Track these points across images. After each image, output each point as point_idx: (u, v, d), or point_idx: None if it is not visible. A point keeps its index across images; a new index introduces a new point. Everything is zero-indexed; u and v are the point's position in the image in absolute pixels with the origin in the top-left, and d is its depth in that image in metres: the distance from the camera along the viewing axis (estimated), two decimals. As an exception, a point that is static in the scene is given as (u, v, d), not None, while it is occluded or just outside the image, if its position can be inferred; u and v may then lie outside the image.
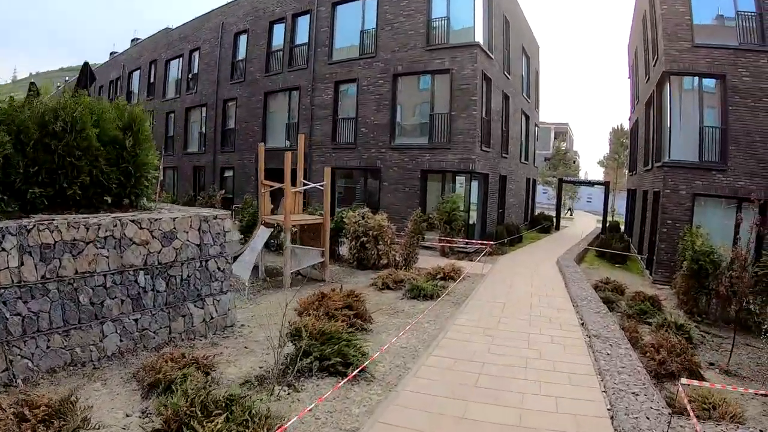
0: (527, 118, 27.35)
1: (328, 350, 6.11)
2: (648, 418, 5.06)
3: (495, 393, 5.69)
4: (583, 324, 8.72)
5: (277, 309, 7.00)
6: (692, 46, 14.56)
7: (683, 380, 4.98)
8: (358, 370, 5.78)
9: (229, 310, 7.99)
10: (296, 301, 8.40)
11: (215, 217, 7.87)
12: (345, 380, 5.58)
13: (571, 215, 48.50)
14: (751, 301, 10.26)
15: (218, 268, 7.86)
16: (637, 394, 5.63)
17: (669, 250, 14.24)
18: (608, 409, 5.37)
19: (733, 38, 14.66)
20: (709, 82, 14.95)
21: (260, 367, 6.15)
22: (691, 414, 4.71)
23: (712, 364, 8.47)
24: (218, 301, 7.79)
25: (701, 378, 7.04)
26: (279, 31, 24.08)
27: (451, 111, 18.02)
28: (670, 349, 7.40)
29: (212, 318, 7.65)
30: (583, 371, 6.52)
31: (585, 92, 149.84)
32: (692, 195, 14.42)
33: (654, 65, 16.98)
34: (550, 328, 8.48)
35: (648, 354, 7.50)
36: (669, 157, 14.94)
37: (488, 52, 18.90)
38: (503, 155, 21.64)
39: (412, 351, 7.15)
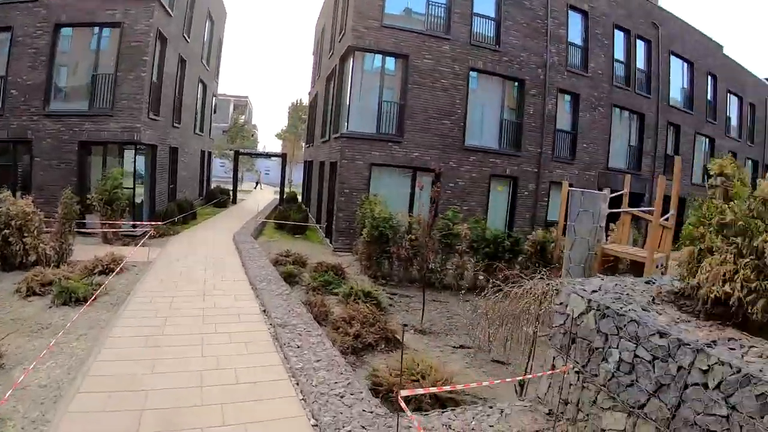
0: (205, 86, 25.67)
1: None
2: (363, 428, 4.24)
3: (161, 438, 4.12)
4: (265, 311, 7.84)
5: None
6: (380, 25, 15.24)
7: (403, 392, 4.17)
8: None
9: None
10: None
11: None
12: None
13: (260, 188, 48.73)
14: (431, 260, 11.22)
15: None
16: (343, 396, 4.83)
17: (348, 219, 14.71)
18: (314, 426, 4.39)
19: (422, 25, 16.07)
20: (392, 61, 15.90)
21: None
22: (410, 416, 4.11)
23: (405, 325, 8.42)
24: None
25: (399, 343, 7.02)
26: None
27: (117, 72, 15.19)
28: (363, 320, 7.31)
29: None
30: (273, 376, 5.45)
31: (267, 66, 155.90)
32: (369, 165, 15.09)
33: (340, 40, 17.25)
34: (228, 323, 7.30)
35: (341, 329, 7.16)
36: (348, 128, 15.34)
37: (168, 8, 16.61)
38: (175, 125, 19.46)
39: (54, 389, 5.04)
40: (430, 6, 16.16)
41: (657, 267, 10.24)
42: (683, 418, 3.55)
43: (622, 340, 4.14)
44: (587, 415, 4.38)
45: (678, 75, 25.27)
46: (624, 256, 11.62)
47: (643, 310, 4.37)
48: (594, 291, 4.80)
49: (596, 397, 4.30)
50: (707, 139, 27.66)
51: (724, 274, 4.08)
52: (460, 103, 16.22)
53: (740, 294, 3.95)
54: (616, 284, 5.31)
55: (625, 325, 4.13)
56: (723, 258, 4.18)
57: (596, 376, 4.34)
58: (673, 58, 24.46)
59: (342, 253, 14.36)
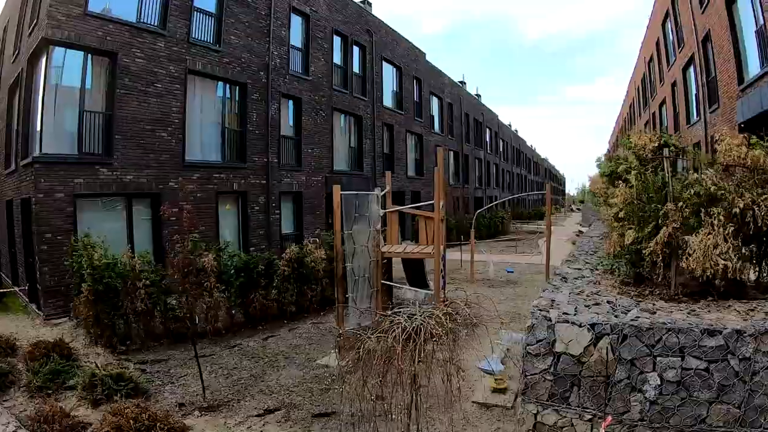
0: None
1: None
2: None
3: None
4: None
5: None
6: (84, 13, 12.91)
7: None
8: None
9: None
10: None
11: None
12: None
13: None
14: (195, 306, 10.10)
15: None
16: None
17: (56, 273, 12.13)
18: None
19: (133, 15, 14.27)
20: (96, 60, 13.69)
21: None
22: None
23: (182, 404, 7.53)
24: None
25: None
26: None
27: None
28: (137, 428, 6.01)
29: None
30: None
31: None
32: (73, 197, 12.71)
33: (30, 34, 14.02)
34: None
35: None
36: (41, 150, 12.57)
37: None
38: None
39: None
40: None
41: (442, 260, 10.86)
42: (756, 407, 3.64)
43: (658, 359, 3.90)
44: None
45: (389, 79, 28.96)
46: (409, 256, 12.10)
47: (651, 313, 4.17)
48: (571, 313, 4.36)
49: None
50: (416, 136, 32.64)
51: (716, 247, 4.26)
52: (177, 111, 15.21)
53: (735, 263, 4.24)
54: (570, 293, 4.96)
55: (659, 340, 3.90)
56: (711, 231, 4.33)
57: (625, 413, 4.04)
58: (384, 64, 28.06)
59: (57, 320, 11.97)
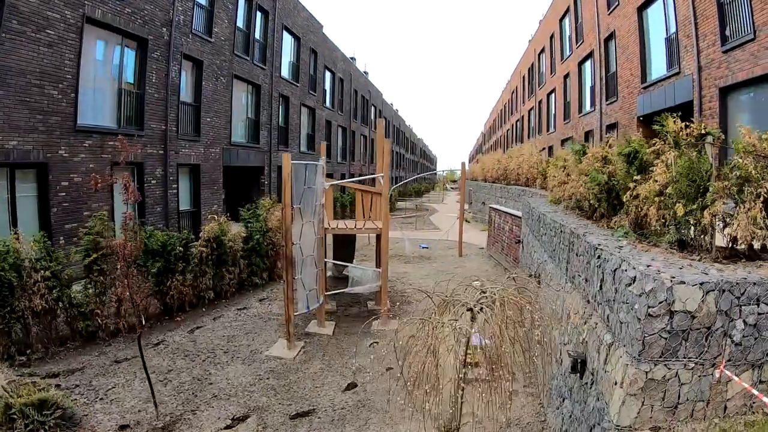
0: None
1: None
2: None
3: None
4: None
5: None
6: None
7: None
8: None
9: None
10: None
11: None
12: None
13: None
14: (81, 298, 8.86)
15: None
16: None
17: None
18: None
19: None
20: None
21: None
22: None
23: (126, 426, 6.33)
24: None
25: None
26: None
27: None
28: None
29: None
30: None
31: None
32: None
33: None
34: None
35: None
36: None
37: None
38: None
39: None
40: None
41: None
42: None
43: (743, 307, 4.72)
44: (707, 402, 4.74)
45: (288, 49, 27.64)
46: (357, 232, 11.56)
47: (721, 272, 5.03)
48: (678, 276, 4.99)
49: (719, 379, 4.71)
50: (309, 110, 31.70)
51: (754, 219, 5.20)
52: (71, 66, 12.87)
53: (765, 233, 5.25)
54: (651, 259, 5.63)
55: (744, 292, 4.70)
56: (751, 207, 5.27)
57: (717, 356, 4.73)
58: (285, 33, 26.74)
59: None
